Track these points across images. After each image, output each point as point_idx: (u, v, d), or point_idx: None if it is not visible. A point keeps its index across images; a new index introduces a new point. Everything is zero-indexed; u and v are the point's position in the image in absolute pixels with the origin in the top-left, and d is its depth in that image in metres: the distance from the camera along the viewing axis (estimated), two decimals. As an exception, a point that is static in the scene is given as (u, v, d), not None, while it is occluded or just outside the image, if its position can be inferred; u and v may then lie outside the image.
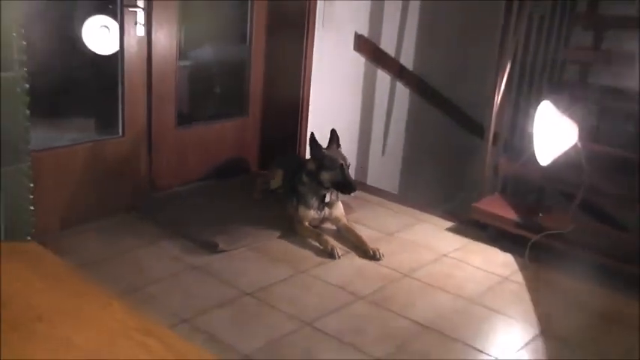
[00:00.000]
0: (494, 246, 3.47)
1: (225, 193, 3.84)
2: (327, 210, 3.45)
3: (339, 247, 3.23)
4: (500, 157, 3.77)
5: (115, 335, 1.37)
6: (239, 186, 3.96)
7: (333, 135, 3.45)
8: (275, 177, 3.68)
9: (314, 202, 3.41)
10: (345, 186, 3.34)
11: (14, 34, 2.34)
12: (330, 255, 3.15)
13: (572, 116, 3.33)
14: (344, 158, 3.36)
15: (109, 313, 1.45)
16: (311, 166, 3.40)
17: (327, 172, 3.33)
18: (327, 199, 3.41)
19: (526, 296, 2.99)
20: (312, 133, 3.42)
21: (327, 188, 3.37)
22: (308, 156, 3.52)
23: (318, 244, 3.26)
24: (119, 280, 2.84)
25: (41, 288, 1.55)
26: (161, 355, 1.32)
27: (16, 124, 2.41)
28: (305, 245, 3.32)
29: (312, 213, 3.42)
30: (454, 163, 5.13)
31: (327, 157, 3.34)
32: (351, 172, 4.43)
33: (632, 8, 3.99)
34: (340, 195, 3.47)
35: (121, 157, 3.52)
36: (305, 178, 3.42)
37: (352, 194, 3.41)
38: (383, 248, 3.31)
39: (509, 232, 3.49)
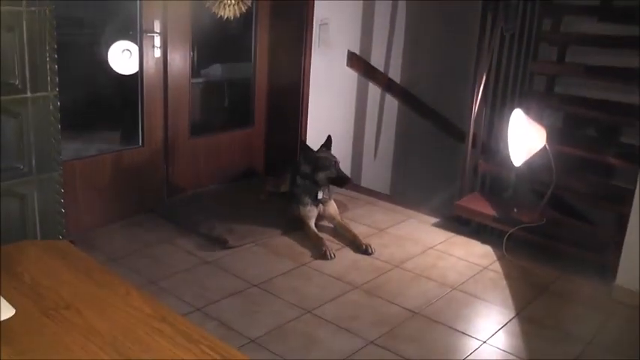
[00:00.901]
0: (475, 239, 3.48)
1: (233, 196, 3.84)
2: (321, 207, 3.43)
3: (333, 249, 3.19)
4: (479, 158, 3.76)
5: (133, 322, 1.38)
6: (246, 189, 3.96)
7: (328, 140, 3.47)
8: (285, 182, 3.68)
9: (308, 200, 3.39)
10: (340, 180, 3.36)
11: (48, 59, 2.38)
12: (323, 256, 3.12)
13: (540, 122, 3.34)
14: (334, 157, 3.38)
15: (128, 301, 1.45)
16: (305, 169, 3.40)
17: (323, 171, 3.34)
18: (320, 197, 3.39)
19: (503, 283, 3.00)
20: (303, 141, 3.43)
21: (320, 186, 3.36)
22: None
23: (315, 246, 3.24)
24: (140, 273, 2.86)
25: (70, 280, 1.55)
26: (174, 339, 1.33)
27: (49, 137, 2.44)
28: (305, 242, 3.32)
29: (309, 210, 3.40)
30: (439, 164, 5.09)
31: (320, 159, 3.35)
32: (347, 173, 4.44)
33: (592, 26, 4.00)
34: (335, 189, 3.47)
35: (141, 165, 3.54)
36: (299, 180, 3.42)
37: (345, 187, 3.42)
38: (375, 243, 3.31)
39: (488, 226, 3.49)
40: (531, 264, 3.19)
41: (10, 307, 1.39)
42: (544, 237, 3.25)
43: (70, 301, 1.44)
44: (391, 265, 3.12)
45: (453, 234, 3.55)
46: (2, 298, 1.41)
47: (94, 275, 1.60)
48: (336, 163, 3.35)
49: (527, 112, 3.29)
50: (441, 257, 3.25)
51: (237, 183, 4.05)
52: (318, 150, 3.45)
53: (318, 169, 3.34)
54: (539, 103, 3.78)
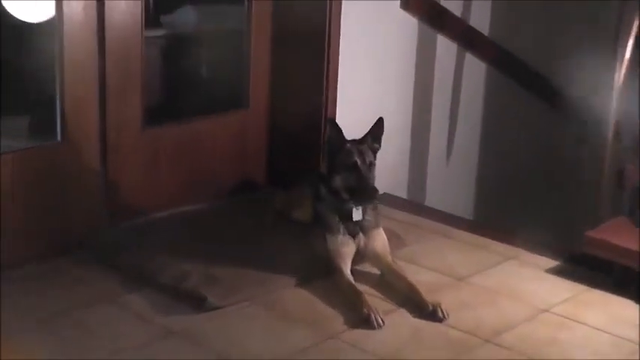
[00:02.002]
0: (622, 295, 3.42)
1: (218, 222, 3.90)
2: (361, 237, 3.42)
3: (381, 311, 3.18)
4: (628, 160, 3.73)
5: None
6: (238, 211, 4.03)
7: (377, 125, 3.48)
8: (304, 204, 3.71)
9: (339, 222, 3.40)
10: (360, 192, 3.36)
11: None
12: (366, 322, 3.10)
13: None
14: (363, 154, 3.37)
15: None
16: (324, 170, 3.49)
17: (339, 174, 3.38)
18: (357, 217, 3.39)
19: (677, 374, 2.95)
20: (330, 119, 3.51)
21: (348, 201, 3.39)
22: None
23: (353, 305, 3.24)
24: (60, 354, 2.82)
25: None
26: None
27: None
28: (335, 298, 3.29)
29: (342, 240, 3.41)
30: (555, 170, 5.17)
31: (342, 153, 3.39)
32: (401, 186, 4.48)
33: None
34: (372, 215, 3.47)
35: (60, 173, 3.55)
36: (323, 191, 3.47)
37: (370, 205, 3.43)
38: (451, 300, 3.28)
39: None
40: None
41: None
42: None
43: None
44: (478, 338, 3.06)
45: (582, 286, 3.51)
46: None
47: None
48: (357, 163, 3.35)
49: None
50: (564, 326, 3.18)
51: (224, 203, 4.13)
52: (359, 140, 3.45)
53: (335, 170, 3.42)
54: None
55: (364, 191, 3.36)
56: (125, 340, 2.91)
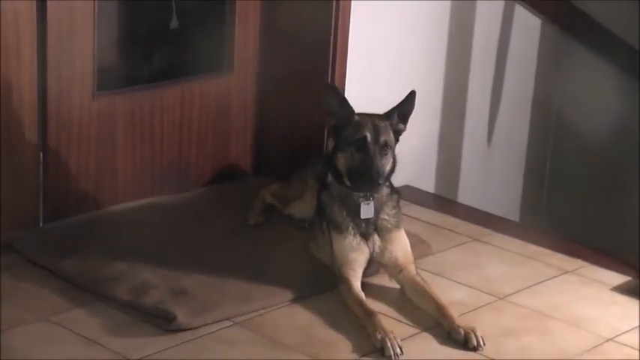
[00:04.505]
0: None
1: (190, 218, 3.97)
2: (376, 240, 3.44)
3: (400, 337, 3.17)
4: None
5: None
6: (218, 204, 4.11)
7: (408, 98, 3.48)
8: (303, 197, 3.76)
9: (347, 219, 3.43)
10: (363, 176, 3.37)
11: None
12: (381, 350, 3.10)
13: None
14: (379, 129, 3.38)
15: None
16: (330, 148, 3.52)
17: (343, 152, 3.40)
18: (368, 214, 3.40)
19: None
20: (330, 85, 3.61)
21: (354, 189, 3.42)
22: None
23: (364, 327, 3.25)
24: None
25: None
26: None
27: None
28: (341, 318, 3.30)
29: (351, 242, 3.42)
30: (629, 161, 5.14)
31: (351, 125, 3.40)
32: (428, 179, 4.46)
33: None
34: (390, 213, 3.49)
35: None
36: (330, 178, 3.49)
37: (375, 193, 3.44)
38: (490, 324, 3.31)
39: None
40: None
41: None
42: None
43: None
44: None
45: None
46: None
47: None
48: (367, 138, 3.36)
49: None
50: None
51: (199, 193, 4.22)
52: (380, 115, 3.46)
53: (339, 147, 3.46)
54: None
55: (367, 174, 3.34)
56: (68, 371, 2.90)
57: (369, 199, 3.40)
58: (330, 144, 3.54)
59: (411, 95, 3.46)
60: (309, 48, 4.14)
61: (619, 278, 3.71)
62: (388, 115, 3.42)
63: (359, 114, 3.40)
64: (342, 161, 3.38)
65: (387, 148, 3.37)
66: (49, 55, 3.63)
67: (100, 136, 3.85)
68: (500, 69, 4.75)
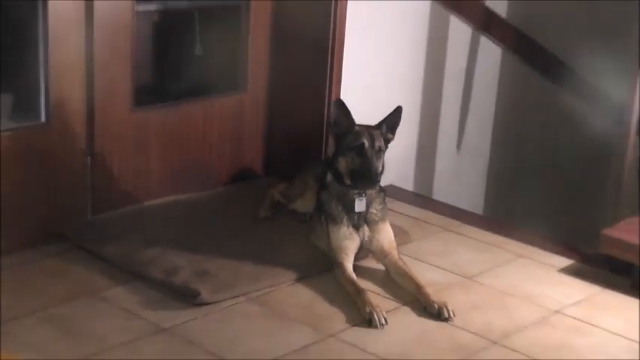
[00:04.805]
0: None
1: (211, 212, 3.93)
2: (365, 230, 3.47)
3: (384, 310, 3.20)
4: None
5: None
6: (234, 200, 4.06)
7: (394, 113, 3.50)
8: (305, 195, 3.77)
9: (342, 213, 3.45)
10: (362, 175, 3.38)
11: None
12: (369, 321, 3.14)
13: None
14: (373, 137, 3.40)
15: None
16: (330, 153, 3.54)
17: (344, 156, 3.41)
18: (360, 208, 3.43)
19: (695, 380, 2.97)
20: (337, 99, 3.51)
21: (351, 187, 3.43)
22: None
23: (355, 303, 3.27)
24: (41, 351, 2.83)
25: None
26: None
27: None
28: (336, 295, 3.32)
29: (345, 232, 3.45)
30: (572, 164, 5.16)
31: (351, 134, 3.42)
32: (407, 179, 4.49)
33: None
34: (378, 208, 3.51)
35: (44, 157, 3.56)
36: (329, 177, 3.51)
37: (373, 190, 3.46)
38: (459, 300, 3.31)
39: (665, 276, 3.46)
40: None
41: None
42: None
43: None
44: (486, 340, 3.10)
45: (598, 288, 3.54)
46: None
47: None
48: (364, 145, 3.38)
49: None
50: (578, 329, 3.21)
51: (218, 191, 4.17)
52: (373, 125, 3.48)
53: (339, 152, 3.46)
54: None
55: (367, 175, 3.37)
56: (111, 337, 2.92)
57: (362, 196, 3.41)
58: (330, 150, 3.51)
59: (398, 110, 3.48)
60: (310, 71, 4.11)
61: (565, 262, 3.73)
62: (378, 126, 3.43)
63: (358, 125, 3.42)
64: (343, 164, 3.39)
65: (380, 152, 3.39)
66: (96, 77, 3.62)
67: (136, 144, 3.84)
68: (467, 89, 4.73)
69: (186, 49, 4.27)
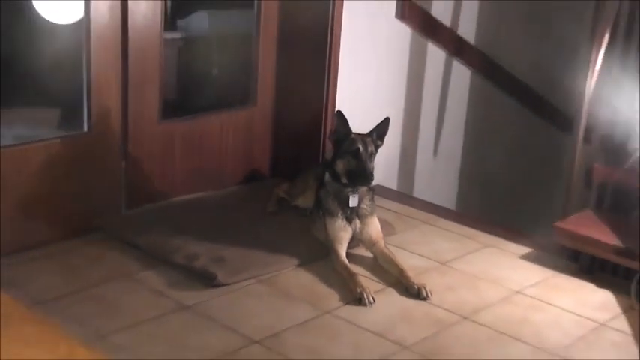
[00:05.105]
0: (587, 280, 3.46)
1: (226, 208, 3.91)
2: (357, 223, 3.47)
3: (373, 290, 3.21)
4: (595, 159, 3.75)
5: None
6: (245, 198, 4.05)
7: (382, 124, 3.50)
8: (306, 193, 3.76)
9: (338, 208, 3.45)
10: (358, 174, 3.39)
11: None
12: (359, 300, 3.15)
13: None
14: (366, 143, 3.41)
15: (72, 366, 1.43)
16: (330, 156, 3.51)
17: (342, 159, 3.42)
18: (354, 203, 3.43)
19: (633, 349, 2.96)
20: (339, 111, 3.49)
21: (348, 185, 3.43)
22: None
23: (348, 284, 3.27)
24: (83, 324, 2.84)
25: (-21, 333, 1.53)
26: None
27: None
28: (332, 278, 3.32)
29: (340, 224, 3.45)
30: (532, 167, 5.18)
31: (348, 141, 3.42)
32: (392, 179, 4.49)
33: None
34: (368, 204, 3.50)
35: (85, 161, 3.56)
36: (327, 177, 3.50)
37: (365, 188, 3.46)
38: (434, 282, 3.32)
39: (608, 262, 3.47)
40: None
41: None
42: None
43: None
44: (458, 316, 3.12)
45: (552, 272, 3.55)
46: None
47: (18, 326, 1.58)
48: (360, 150, 3.38)
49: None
50: (535, 307, 3.23)
51: (232, 190, 4.15)
52: (365, 134, 3.48)
53: (338, 156, 3.45)
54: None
55: (362, 175, 3.37)
56: (142, 313, 2.94)
57: (355, 193, 3.41)
58: (329, 154, 3.51)
59: (386, 120, 3.49)
60: (309, 89, 4.11)
61: (524, 249, 3.74)
62: (370, 134, 3.43)
63: (354, 133, 3.41)
64: (341, 166, 3.39)
65: (372, 156, 3.39)
66: (129, 94, 3.63)
67: (163, 150, 3.84)
68: (442, 103, 4.72)
69: (205, 70, 4.28)
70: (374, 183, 3.49)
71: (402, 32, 4.35)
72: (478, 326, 3.04)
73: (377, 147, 3.45)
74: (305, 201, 3.76)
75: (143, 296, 3.09)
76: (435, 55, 4.58)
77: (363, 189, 3.46)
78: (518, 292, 3.33)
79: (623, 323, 3.12)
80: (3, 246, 3.25)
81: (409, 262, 3.45)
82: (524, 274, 3.51)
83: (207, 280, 3.20)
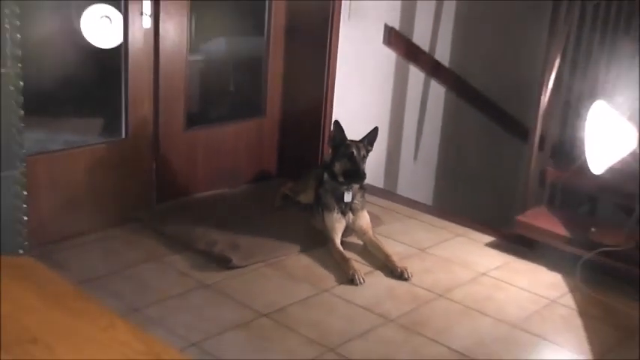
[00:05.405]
0: (541, 264, 3.46)
1: (239, 203, 3.90)
2: (350, 216, 3.46)
3: (363, 272, 3.21)
4: (548, 163, 3.76)
5: (119, 360, 1.37)
6: (255, 194, 4.02)
7: (372, 132, 3.49)
8: (307, 190, 3.74)
9: (334, 203, 3.44)
10: (352, 174, 3.39)
11: (7, 26, 2.33)
12: (351, 280, 3.15)
13: (631, 118, 3.28)
14: (359, 148, 3.41)
15: (112, 335, 1.44)
16: (328, 159, 3.49)
17: (339, 161, 3.41)
18: (348, 199, 3.43)
19: (577, 322, 2.97)
20: (336, 121, 3.47)
21: (343, 184, 3.42)
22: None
23: (342, 267, 3.27)
24: (120, 299, 2.86)
25: (35, 307, 1.54)
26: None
27: (9, 125, 2.40)
28: (328, 262, 3.33)
29: (336, 217, 3.44)
30: (496, 169, 5.14)
31: (344, 145, 3.42)
32: (379, 179, 4.47)
33: None
34: (359, 200, 3.49)
35: (123, 163, 3.56)
36: (325, 177, 3.49)
37: (357, 186, 3.46)
38: (414, 266, 3.31)
39: (558, 249, 3.47)
40: (614, 298, 3.15)
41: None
42: (632, 264, 3.20)
43: (37, 333, 1.43)
44: (434, 294, 3.12)
45: (512, 257, 3.54)
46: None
47: (66, 301, 1.60)
48: (353, 153, 3.37)
49: (613, 104, 3.24)
50: (498, 286, 3.24)
51: (244, 188, 4.13)
52: (358, 140, 3.47)
53: (336, 159, 3.43)
54: (631, 94, 3.72)
55: (356, 174, 3.37)
56: (169, 291, 2.97)
57: (349, 190, 3.42)
58: (328, 157, 3.50)
59: (375, 129, 3.48)
60: (310, 102, 4.10)
61: (489, 239, 3.74)
62: (362, 140, 3.42)
63: (349, 140, 3.42)
64: (338, 167, 3.39)
65: (364, 159, 3.39)
66: (160, 107, 3.63)
67: (187, 154, 3.83)
68: (422, 115, 4.70)
69: (223, 87, 4.27)
70: (365, 182, 3.49)
71: (389, 56, 4.35)
72: (451, 302, 3.05)
73: (368, 151, 3.44)
74: (306, 197, 3.74)
75: (170, 276, 3.11)
76: (416, 75, 4.56)
77: (356, 187, 3.45)
78: (483, 274, 3.34)
79: (570, 300, 3.14)
80: (54, 234, 3.28)
81: (394, 249, 3.45)
82: (488, 259, 3.51)
83: (224, 263, 3.21)
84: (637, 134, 3.22)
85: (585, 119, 3.28)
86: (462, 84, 4.83)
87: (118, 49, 3.43)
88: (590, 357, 2.70)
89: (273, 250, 3.37)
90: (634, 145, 3.21)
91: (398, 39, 4.32)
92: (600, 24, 3.65)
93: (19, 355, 1.36)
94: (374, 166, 4.15)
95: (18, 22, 2.36)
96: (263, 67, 4.13)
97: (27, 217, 2.54)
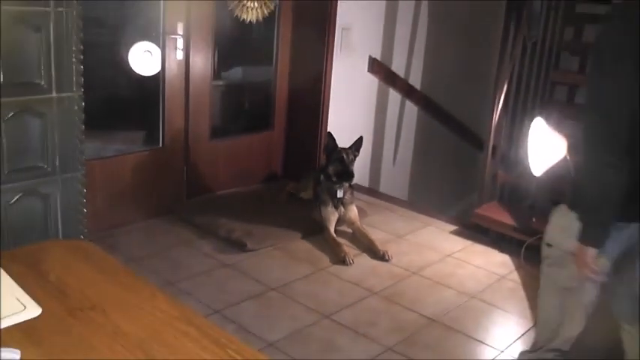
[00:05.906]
0: (494, 248, 3.47)
1: (253, 198, 3.87)
2: (342, 209, 3.45)
3: (352, 255, 3.21)
4: (498, 168, 3.76)
5: (159, 324, 1.37)
6: (266, 192, 3.99)
7: (358, 140, 3.47)
8: (307, 189, 3.73)
9: (329, 199, 3.42)
10: (343, 174, 3.37)
11: (74, 59, 2.40)
12: (343, 261, 3.15)
13: (561, 131, 3.29)
14: (348, 153, 3.40)
15: (154, 304, 1.45)
16: (324, 163, 3.47)
17: (332, 164, 3.39)
18: (340, 195, 3.41)
19: (521, 293, 2.99)
20: (329, 132, 3.46)
21: (336, 183, 3.40)
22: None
23: (335, 251, 3.25)
24: (159, 275, 2.88)
25: (95, 281, 1.55)
26: (201, 342, 1.33)
27: (72, 137, 2.45)
28: (324, 246, 3.33)
29: (330, 210, 3.42)
30: (458, 172, 5.10)
31: (335, 152, 3.40)
32: (365, 179, 4.43)
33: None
34: (349, 196, 3.47)
35: (161, 166, 3.56)
36: (322, 178, 3.47)
37: (348, 184, 3.44)
38: (393, 249, 3.32)
39: (507, 235, 3.48)
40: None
41: (37, 306, 1.39)
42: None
43: (95, 301, 1.44)
44: (409, 272, 3.12)
45: (471, 242, 3.55)
46: (29, 297, 1.42)
47: (118, 276, 1.59)
48: (343, 157, 3.36)
49: (547, 121, 3.26)
50: (460, 265, 3.24)
51: (257, 186, 4.09)
52: (346, 147, 3.46)
53: (330, 163, 3.40)
54: (560, 113, 3.74)
55: (346, 174, 3.37)
56: (197, 269, 2.99)
57: (341, 188, 3.41)
58: (323, 162, 3.50)
59: (360, 139, 3.47)
60: (309, 120, 4.06)
61: (453, 227, 3.75)
62: (351, 147, 3.42)
63: (339, 147, 3.41)
64: (331, 169, 3.39)
65: (352, 162, 3.39)
66: (189, 121, 3.63)
67: (211, 159, 3.81)
68: (399, 129, 4.66)
69: (240, 106, 4.24)
70: (353, 181, 3.49)
71: (372, 81, 4.32)
72: (422, 278, 3.06)
73: (355, 156, 3.44)
74: (307, 194, 3.73)
75: (198, 257, 3.12)
76: (394, 96, 4.53)
77: (346, 185, 3.44)
78: (448, 255, 3.35)
79: (515, 276, 3.16)
80: (107, 223, 3.30)
81: (376, 236, 3.45)
82: (452, 243, 3.52)
83: (240, 247, 3.22)
84: (565, 144, 3.23)
85: (527, 133, 3.29)
86: (430, 103, 4.80)
87: (157, 76, 3.45)
88: (531, 321, 2.72)
89: (280, 237, 3.37)
90: (563, 153, 3.22)
91: (379, 67, 4.31)
92: (537, 58, 3.66)
93: (81, 318, 1.39)
94: (360, 168, 4.11)
95: (81, 57, 2.42)
96: (272, 90, 4.12)
97: (86, 209, 2.58)
